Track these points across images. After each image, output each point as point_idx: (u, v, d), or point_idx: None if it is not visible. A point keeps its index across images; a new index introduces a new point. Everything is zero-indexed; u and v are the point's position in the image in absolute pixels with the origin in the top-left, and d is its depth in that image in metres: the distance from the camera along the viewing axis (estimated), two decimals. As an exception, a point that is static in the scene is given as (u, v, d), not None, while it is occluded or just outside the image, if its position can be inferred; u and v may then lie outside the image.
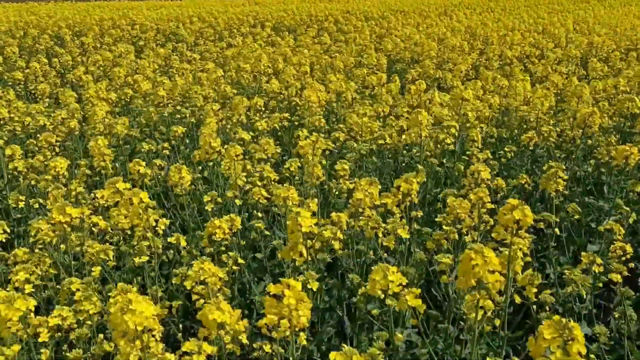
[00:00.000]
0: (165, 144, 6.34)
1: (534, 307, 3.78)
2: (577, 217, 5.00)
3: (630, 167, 4.80)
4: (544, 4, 33.62)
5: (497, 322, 3.47)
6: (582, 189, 6.15)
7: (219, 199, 4.73)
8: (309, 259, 3.55)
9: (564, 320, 2.23)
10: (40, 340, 2.93)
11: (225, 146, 5.07)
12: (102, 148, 5.15)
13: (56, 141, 5.98)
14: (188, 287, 3.38)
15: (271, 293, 2.63)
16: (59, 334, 3.03)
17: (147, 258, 4.01)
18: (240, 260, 4.06)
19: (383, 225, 4.03)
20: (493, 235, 3.19)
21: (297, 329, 2.72)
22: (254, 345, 3.42)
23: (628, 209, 4.70)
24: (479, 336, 3.15)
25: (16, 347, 2.66)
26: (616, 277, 3.65)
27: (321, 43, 14.55)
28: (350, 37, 15.46)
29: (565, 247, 5.34)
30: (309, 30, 17.85)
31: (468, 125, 6.19)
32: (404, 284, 2.99)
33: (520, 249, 3.37)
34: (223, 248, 4.02)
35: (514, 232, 3.04)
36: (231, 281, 4.20)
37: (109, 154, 5.23)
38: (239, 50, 13.71)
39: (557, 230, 4.72)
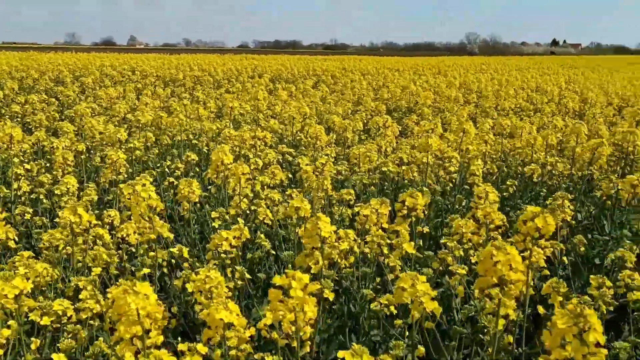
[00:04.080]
0: (179, 164, 6.35)
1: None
2: (582, 249, 4.94)
3: (638, 195, 4.79)
4: (534, 69, 34.59)
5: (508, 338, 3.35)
6: (583, 227, 6.12)
7: (227, 217, 4.65)
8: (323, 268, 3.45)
9: (579, 307, 2.14)
10: (41, 322, 2.80)
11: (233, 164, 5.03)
12: (120, 160, 5.13)
13: (66, 163, 5.99)
14: (190, 290, 3.26)
15: (277, 284, 2.50)
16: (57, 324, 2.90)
17: (148, 270, 3.90)
18: (247, 275, 3.94)
19: (388, 241, 3.95)
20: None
21: (303, 326, 2.58)
22: (256, 357, 3.27)
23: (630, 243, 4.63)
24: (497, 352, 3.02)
25: (13, 326, 2.51)
26: (636, 296, 3.56)
27: (320, 90, 14.75)
28: (348, 87, 15.72)
29: (572, 282, 5.25)
30: (307, 81, 18.14)
31: (469, 156, 6.21)
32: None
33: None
34: (228, 261, 3.91)
35: (534, 241, 2.97)
36: (235, 299, 4.07)
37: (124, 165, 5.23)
38: (237, 94, 13.88)
39: (565, 259, 4.66)
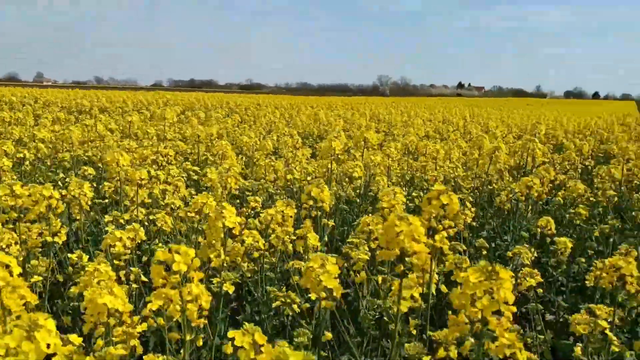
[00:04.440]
0: (74, 178, 5.96)
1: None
2: (485, 253, 5.03)
3: (534, 196, 4.95)
4: (440, 106, 36.16)
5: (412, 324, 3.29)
6: (486, 236, 6.27)
7: (122, 221, 4.36)
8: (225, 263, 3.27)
9: (490, 265, 2.11)
10: None
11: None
12: (4, 167, 4.69)
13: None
14: (76, 290, 2.99)
15: (159, 260, 2.27)
16: None
17: (40, 278, 3.57)
18: (143, 278, 3.68)
19: (293, 237, 3.83)
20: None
21: (189, 306, 2.37)
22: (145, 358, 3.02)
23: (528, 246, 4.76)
24: (401, 337, 2.94)
25: None
26: (530, 282, 3.62)
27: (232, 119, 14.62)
28: (260, 116, 15.69)
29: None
30: (220, 110, 17.96)
31: (372, 165, 6.24)
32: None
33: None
34: (122, 263, 3.63)
35: (439, 220, 2.95)
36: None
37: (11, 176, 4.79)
38: (145, 120, 13.50)
39: (466, 258, 4.72)
